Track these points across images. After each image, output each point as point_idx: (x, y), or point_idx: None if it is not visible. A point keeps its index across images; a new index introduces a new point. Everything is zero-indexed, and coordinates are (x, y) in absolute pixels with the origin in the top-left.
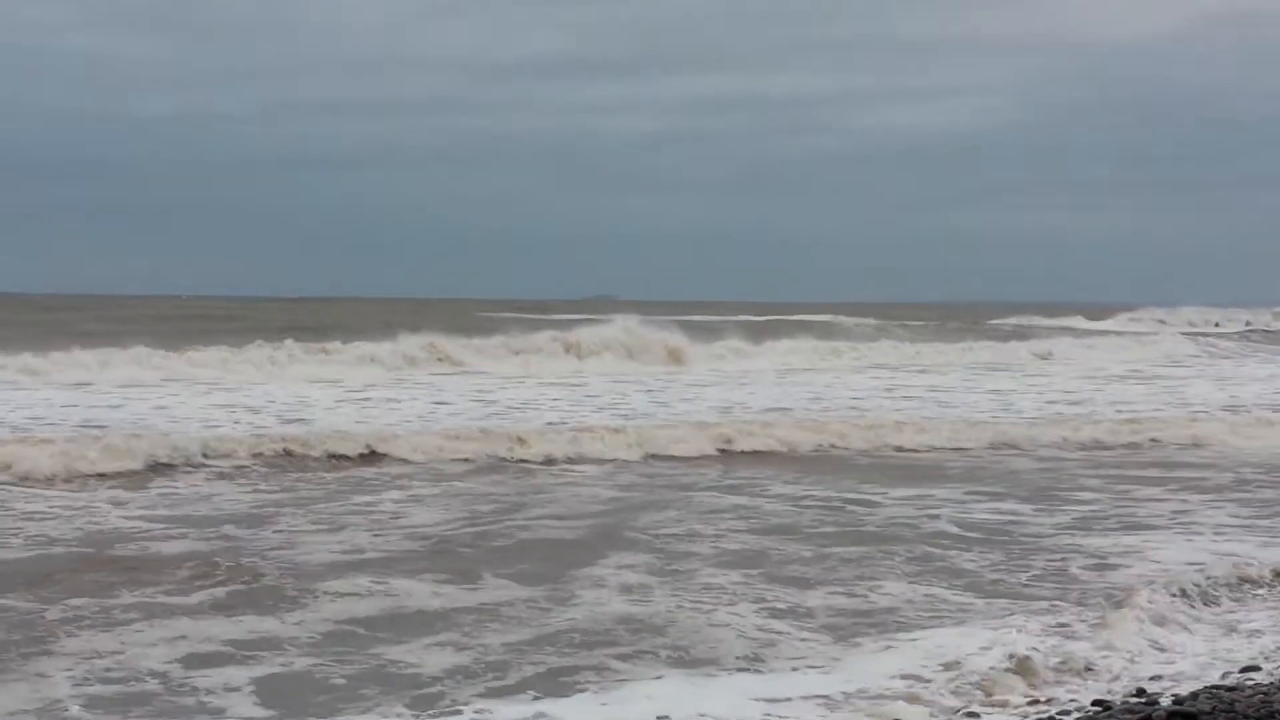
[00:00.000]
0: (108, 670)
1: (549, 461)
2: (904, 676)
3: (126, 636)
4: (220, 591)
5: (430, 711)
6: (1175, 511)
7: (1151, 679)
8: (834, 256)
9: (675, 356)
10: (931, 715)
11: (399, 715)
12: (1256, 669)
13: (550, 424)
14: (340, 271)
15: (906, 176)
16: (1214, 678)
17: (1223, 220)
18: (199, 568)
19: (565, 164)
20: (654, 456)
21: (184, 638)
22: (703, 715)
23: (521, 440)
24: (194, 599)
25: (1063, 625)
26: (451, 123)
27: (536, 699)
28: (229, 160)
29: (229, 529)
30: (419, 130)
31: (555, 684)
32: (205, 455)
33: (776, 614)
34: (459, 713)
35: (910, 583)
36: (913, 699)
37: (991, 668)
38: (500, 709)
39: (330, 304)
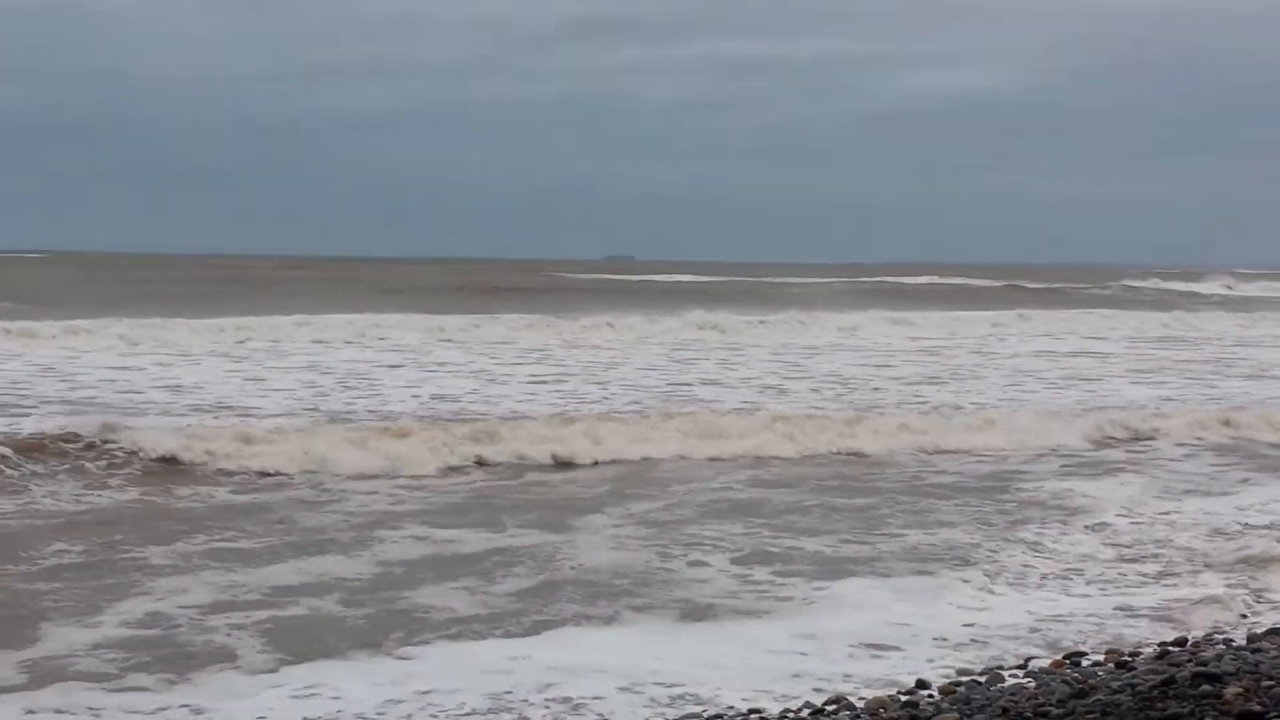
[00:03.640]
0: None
1: None
2: None
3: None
4: None
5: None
6: None
7: None
8: (855, 219)
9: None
10: None
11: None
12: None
13: None
14: (366, 232)
15: (928, 140)
16: None
17: (1248, 185)
18: None
19: (589, 127)
20: None
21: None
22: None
23: None
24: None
25: None
26: (479, 85)
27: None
28: (254, 123)
29: None
30: (448, 92)
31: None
32: None
33: None
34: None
35: None
36: None
37: None
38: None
39: (391, 265)
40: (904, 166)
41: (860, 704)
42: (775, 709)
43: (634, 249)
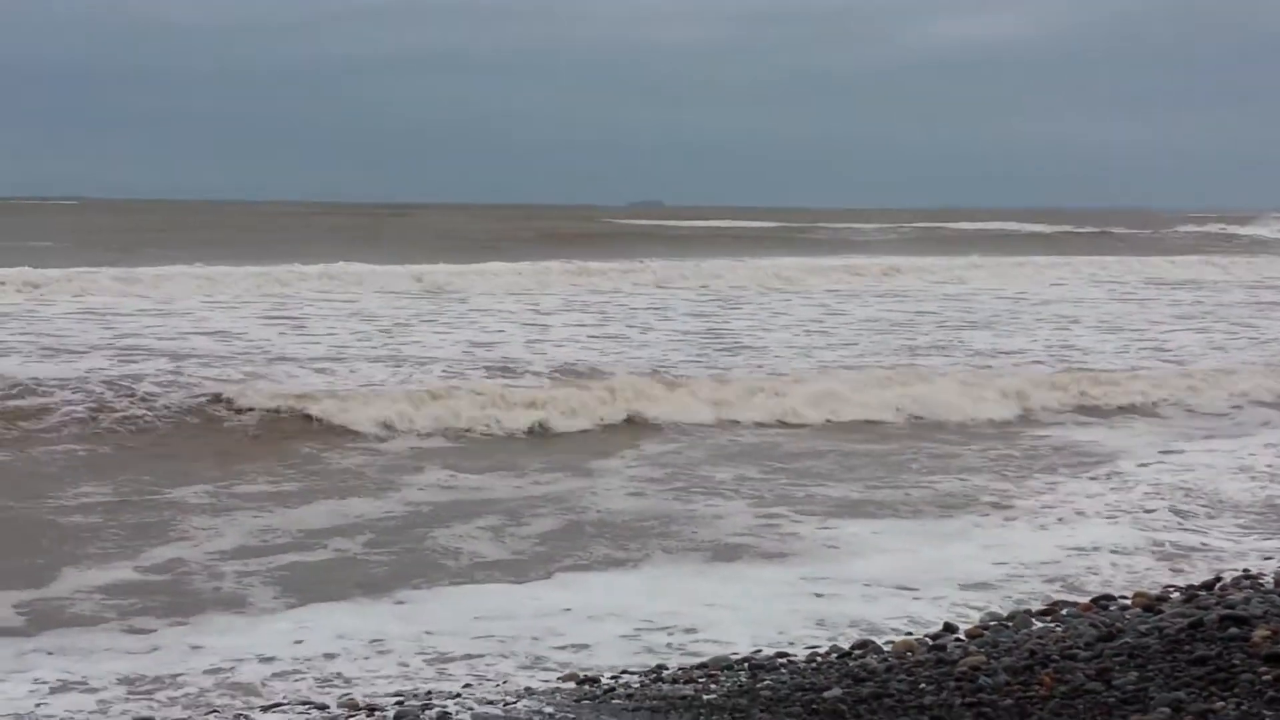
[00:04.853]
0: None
1: None
2: None
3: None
4: None
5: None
6: None
7: None
8: (881, 165)
9: None
10: None
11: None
12: None
13: None
14: (392, 179)
15: (954, 87)
16: None
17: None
18: None
19: (617, 73)
20: None
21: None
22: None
23: None
24: None
25: None
26: (506, 31)
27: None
28: (273, 69)
29: None
30: (472, 38)
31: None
32: None
33: None
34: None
35: None
36: None
37: None
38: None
39: (419, 211)
40: (932, 112)
41: (887, 647)
42: (802, 653)
43: (663, 195)
